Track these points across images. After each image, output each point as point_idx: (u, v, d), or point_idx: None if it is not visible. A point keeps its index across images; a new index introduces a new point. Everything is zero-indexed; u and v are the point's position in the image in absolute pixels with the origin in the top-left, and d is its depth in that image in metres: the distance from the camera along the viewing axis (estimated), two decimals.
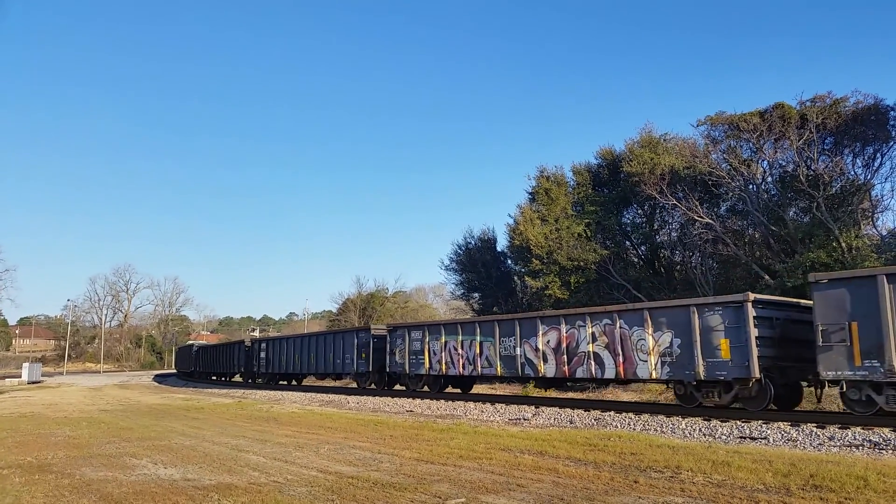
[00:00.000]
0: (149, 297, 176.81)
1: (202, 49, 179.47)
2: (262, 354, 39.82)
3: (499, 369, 21.20)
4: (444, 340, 23.54)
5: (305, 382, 38.36)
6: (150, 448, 12.81)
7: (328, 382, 37.44)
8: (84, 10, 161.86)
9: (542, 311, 22.76)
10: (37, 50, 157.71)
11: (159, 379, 58.92)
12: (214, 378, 51.99)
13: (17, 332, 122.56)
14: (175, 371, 70.83)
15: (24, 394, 37.23)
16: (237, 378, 47.56)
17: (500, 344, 21.28)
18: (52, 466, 10.76)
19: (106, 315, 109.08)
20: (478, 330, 22.28)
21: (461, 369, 22.76)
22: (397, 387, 27.82)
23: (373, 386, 29.12)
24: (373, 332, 28.90)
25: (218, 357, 50.55)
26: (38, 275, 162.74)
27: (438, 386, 24.89)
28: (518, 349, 20.50)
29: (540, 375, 19.90)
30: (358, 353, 29.11)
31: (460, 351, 22.74)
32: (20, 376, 55.20)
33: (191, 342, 77.23)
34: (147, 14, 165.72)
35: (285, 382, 39.31)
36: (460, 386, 25.88)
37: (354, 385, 31.47)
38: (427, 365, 24.28)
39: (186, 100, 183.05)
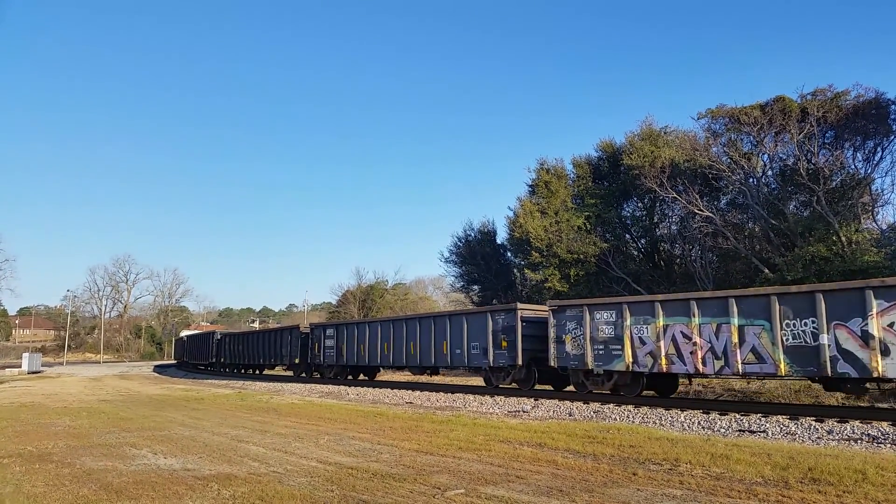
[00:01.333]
0: (148, 288, 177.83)
1: (202, 42, 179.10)
2: (329, 342, 32.02)
3: (782, 365, 14.64)
4: (661, 324, 16.99)
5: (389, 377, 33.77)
6: (149, 438, 12.84)
7: (448, 379, 31.74)
8: (85, 4, 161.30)
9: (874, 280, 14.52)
10: (37, 43, 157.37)
11: (159, 369, 59.00)
12: (246, 371, 44.24)
13: (17, 322, 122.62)
14: (175, 362, 70.82)
15: (24, 384, 37.29)
16: (278, 370, 42.51)
17: (782, 329, 14.73)
18: (52, 456, 10.79)
19: (106, 306, 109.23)
20: (735, 308, 15.56)
21: (699, 364, 16.13)
22: (568, 388, 21.13)
23: (513, 385, 22.02)
24: (521, 312, 21.43)
25: (257, 346, 40.65)
26: (38, 265, 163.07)
27: (639, 388, 18.06)
28: (824, 336, 14.11)
29: (876, 375, 13.54)
30: (496, 340, 21.90)
31: (696, 339, 16.21)
32: (20, 366, 55.26)
33: (189, 332, 77.01)
34: (147, 8, 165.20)
35: (364, 377, 32.19)
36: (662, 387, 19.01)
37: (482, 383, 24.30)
38: (628, 357, 17.65)
39: (187, 93, 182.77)
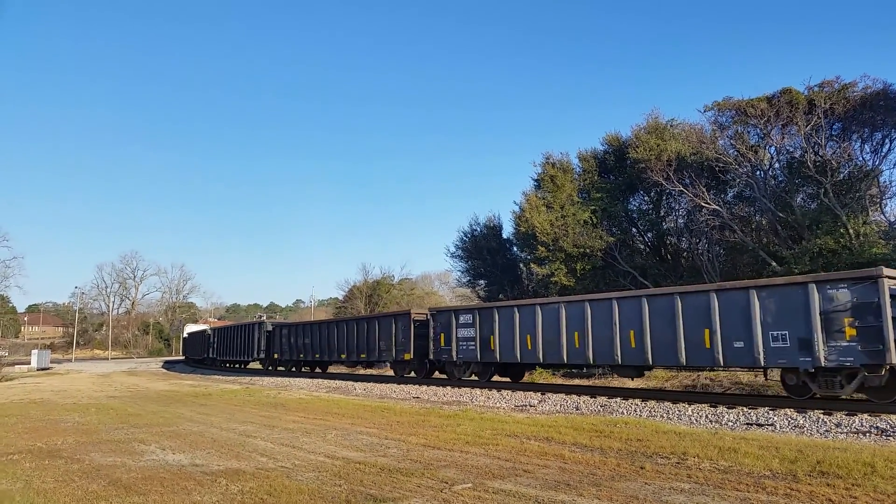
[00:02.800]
0: (156, 285, 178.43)
1: (208, 40, 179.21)
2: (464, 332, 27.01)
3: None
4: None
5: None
6: (158, 434, 12.90)
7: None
8: (91, 2, 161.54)
9: None
10: (44, 42, 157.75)
11: (167, 365, 59.26)
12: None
13: (25, 319, 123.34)
14: (183, 358, 71.05)
15: (33, 380, 37.53)
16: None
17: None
18: (61, 452, 10.85)
19: (113, 302, 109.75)
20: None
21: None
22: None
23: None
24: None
25: (341, 337, 33.49)
26: (46, 262, 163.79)
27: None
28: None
29: None
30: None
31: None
32: (29, 363, 55.63)
33: (196, 327, 76.58)
34: (153, 6, 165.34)
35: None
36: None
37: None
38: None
39: (194, 90, 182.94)
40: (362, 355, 29.19)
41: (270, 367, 40.05)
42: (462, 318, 23.65)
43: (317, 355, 33.14)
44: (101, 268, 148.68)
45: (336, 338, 31.68)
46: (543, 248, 34.64)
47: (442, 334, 24.02)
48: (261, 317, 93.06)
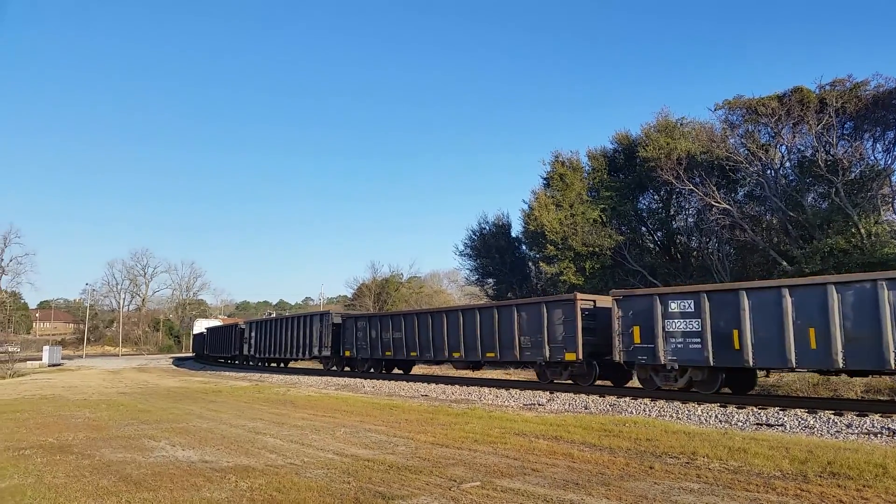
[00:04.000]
0: (166, 282, 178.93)
1: (218, 38, 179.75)
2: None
3: None
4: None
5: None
6: (168, 430, 12.96)
7: None
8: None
9: None
10: (55, 39, 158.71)
11: (177, 362, 59.52)
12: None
13: (37, 315, 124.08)
14: (192, 354, 71.30)
15: (44, 376, 37.78)
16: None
17: None
18: (72, 447, 10.92)
19: (124, 299, 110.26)
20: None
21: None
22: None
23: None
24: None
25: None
26: (58, 259, 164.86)
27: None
28: None
29: None
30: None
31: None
32: (41, 359, 56.00)
33: (207, 322, 75.96)
34: (164, 4, 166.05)
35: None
36: None
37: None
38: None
39: (204, 87, 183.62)
40: (490, 354, 22.16)
41: (334, 368, 32.32)
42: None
43: (413, 353, 26.21)
44: (112, 265, 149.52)
45: (446, 331, 24.15)
46: (552, 247, 34.62)
47: (637, 327, 17.58)
48: (269, 314, 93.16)
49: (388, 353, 27.66)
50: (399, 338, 26.93)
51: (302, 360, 37.01)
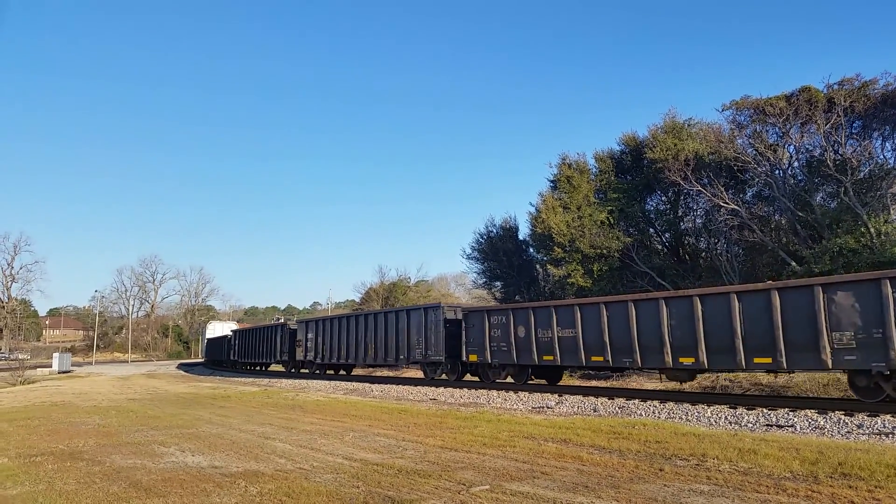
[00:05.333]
0: (175, 288, 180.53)
1: (223, 43, 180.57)
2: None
3: None
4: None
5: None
6: (177, 436, 13.00)
7: None
8: (108, 4, 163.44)
9: None
10: (61, 47, 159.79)
11: (186, 368, 59.70)
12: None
13: (47, 322, 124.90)
14: (202, 360, 71.37)
15: (54, 383, 37.97)
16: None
17: None
18: (83, 454, 10.97)
19: (133, 305, 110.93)
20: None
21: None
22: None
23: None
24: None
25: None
26: (67, 266, 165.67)
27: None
28: None
29: None
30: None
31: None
32: (51, 366, 56.30)
33: (223, 325, 73.38)
34: (173, 8, 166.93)
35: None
36: None
37: None
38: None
39: (212, 93, 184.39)
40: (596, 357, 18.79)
41: (444, 376, 25.67)
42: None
43: (599, 357, 18.99)
44: (121, 271, 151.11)
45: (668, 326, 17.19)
46: (560, 250, 34.53)
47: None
48: (278, 319, 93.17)
49: (547, 358, 20.54)
50: (571, 336, 19.65)
51: (390, 367, 34.70)
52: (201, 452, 10.83)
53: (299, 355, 36.29)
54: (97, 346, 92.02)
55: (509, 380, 22.78)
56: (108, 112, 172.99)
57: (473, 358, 23.38)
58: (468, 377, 25.28)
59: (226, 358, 53.58)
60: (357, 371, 37.61)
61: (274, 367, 45.43)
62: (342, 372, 35.40)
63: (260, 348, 43.67)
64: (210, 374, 48.33)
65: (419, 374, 29.38)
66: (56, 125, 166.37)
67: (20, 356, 58.69)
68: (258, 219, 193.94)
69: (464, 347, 23.61)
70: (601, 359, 18.66)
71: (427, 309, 26.27)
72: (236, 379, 38.94)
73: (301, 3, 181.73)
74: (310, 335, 34.98)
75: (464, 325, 23.85)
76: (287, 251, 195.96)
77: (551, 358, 20.23)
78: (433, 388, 23.44)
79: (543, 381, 23.14)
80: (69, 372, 53.90)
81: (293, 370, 38.52)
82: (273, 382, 32.81)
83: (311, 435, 12.64)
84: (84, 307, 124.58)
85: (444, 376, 25.56)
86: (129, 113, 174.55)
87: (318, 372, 34.99)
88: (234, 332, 53.04)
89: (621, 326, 18.17)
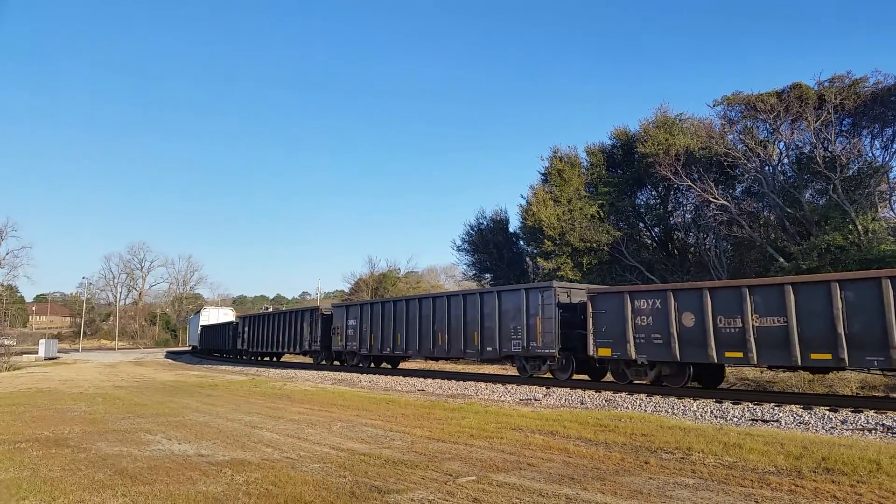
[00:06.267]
0: (163, 276, 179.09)
1: (214, 31, 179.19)
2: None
3: None
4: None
5: None
6: (164, 424, 12.95)
7: None
8: None
9: None
10: (52, 33, 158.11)
11: (173, 356, 59.48)
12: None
13: (33, 308, 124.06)
14: (190, 348, 71.00)
15: (40, 370, 37.75)
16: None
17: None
18: (68, 441, 10.91)
19: (121, 293, 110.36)
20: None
21: None
22: None
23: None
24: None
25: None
26: (54, 252, 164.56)
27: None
28: None
29: None
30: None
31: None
32: (37, 352, 55.95)
33: (218, 311, 65.20)
34: None
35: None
36: None
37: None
38: None
39: (200, 82, 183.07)
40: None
41: (324, 363, 31.77)
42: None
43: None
44: (109, 258, 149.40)
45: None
46: (550, 243, 34.63)
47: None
48: (267, 308, 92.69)
49: (733, 354, 15.87)
50: (778, 326, 15.00)
51: (463, 360, 29.27)
52: (188, 441, 10.80)
53: (336, 345, 31.18)
54: (84, 333, 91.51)
55: (630, 381, 18.59)
56: (96, 98, 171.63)
57: (605, 352, 18.52)
58: (576, 376, 20.68)
59: (229, 347, 48.70)
60: (407, 364, 32.85)
61: (289, 358, 41.74)
62: (384, 364, 30.51)
63: (278, 337, 38.09)
64: (198, 362, 48.17)
65: (495, 370, 27.26)
66: (43, 110, 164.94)
67: (6, 342, 58.12)
68: (248, 208, 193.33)
69: (590, 338, 18.73)
70: (827, 356, 14.20)
71: (532, 290, 21.24)
72: (224, 367, 38.82)
73: None
74: (351, 321, 30.12)
75: (590, 310, 18.89)
76: (276, 241, 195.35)
77: (739, 355, 15.69)
78: (421, 379, 23.41)
79: (697, 384, 18.11)
80: (56, 359, 53.57)
81: (323, 362, 33.45)
82: (261, 372, 32.74)
83: (298, 424, 12.62)
84: (71, 294, 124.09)
85: (547, 374, 20.94)
86: (118, 99, 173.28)
87: (360, 364, 29.85)
88: (243, 317, 46.77)
89: (868, 313, 13.82)
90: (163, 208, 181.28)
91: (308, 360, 37.46)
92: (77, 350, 76.59)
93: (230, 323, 51.33)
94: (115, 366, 41.94)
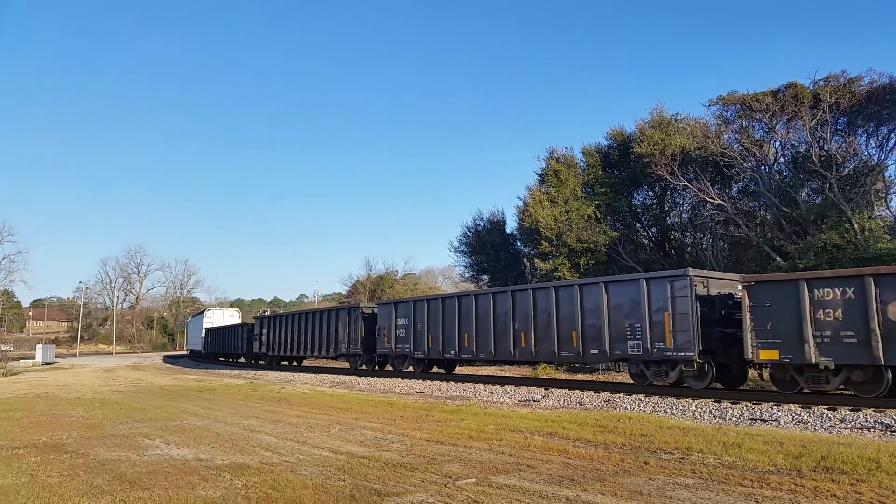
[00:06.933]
0: (160, 279, 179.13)
1: (209, 33, 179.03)
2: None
3: None
4: None
5: None
6: (162, 428, 12.92)
7: None
8: None
9: None
10: (47, 35, 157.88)
11: (171, 360, 59.37)
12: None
13: (30, 313, 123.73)
14: (187, 352, 70.87)
15: (38, 375, 37.64)
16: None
17: None
18: (66, 446, 10.88)
19: (118, 297, 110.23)
20: None
21: None
22: None
23: None
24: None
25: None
26: (51, 257, 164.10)
27: None
28: None
29: None
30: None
31: None
32: (34, 357, 55.87)
33: (224, 313, 61.13)
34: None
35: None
36: None
37: None
38: None
39: (197, 84, 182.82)
40: None
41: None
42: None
43: None
44: (106, 262, 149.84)
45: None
46: (547, 243, 34.63)
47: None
48: (264, 311, 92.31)
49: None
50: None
51: (583, 362, 23.86)
52: (186, 445, 10.77)
53: (382, 347, 27.82)
54: (81, 337, 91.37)
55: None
56: (91, 101, 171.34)
57: (769, 355, 15.21)
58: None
59: (243, 350, 45.40)
60: (463, 370, 29.64)
61: (311, 363, 39.65)
62: (434, 368, 27.54)
63: (306, 339, 34.52)
64: (195, 366, 48.09)
65: (493, 371, 25.56)
66: (39, 114, 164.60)
67: (3, 348, 58.04)
68: (244, 211, 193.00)
69: (748, 338, 15.43)
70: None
71: (656, 280, 17.67)
72: (222, 371, 38.75)
73: None
74: (401, 320, 26.75)
75: (747, 302, 15.59)
76: (273, 244, 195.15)
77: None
78: (419, 381, 23.38)
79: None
80: (53, 363, 53.44)
81: (363, 366, 30.34)
82: (259, 375, 32.71)
83: (297, 428, 12.60)
84: (68, 298, 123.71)
85: (672, 380, 17.63)
86: (114, 103, 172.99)
87: (416, 370, 26.47)
88: (262, 318, 42.59)
89: None
90: (160, 212, 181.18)
91: (337, 363, 35.51)
92: (74, 355, 76.46)
93: (244, 325, 48.51)
94: (112, 370, 41.85)
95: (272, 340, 39.35)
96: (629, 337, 17.83)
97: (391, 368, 28.50)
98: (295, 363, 40.30)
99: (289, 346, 37.09)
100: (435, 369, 27.37)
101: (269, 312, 54.00)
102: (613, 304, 18.42)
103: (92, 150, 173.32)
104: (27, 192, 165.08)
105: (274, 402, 18.12)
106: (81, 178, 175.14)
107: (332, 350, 32.15)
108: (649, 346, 17.27)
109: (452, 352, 24.07)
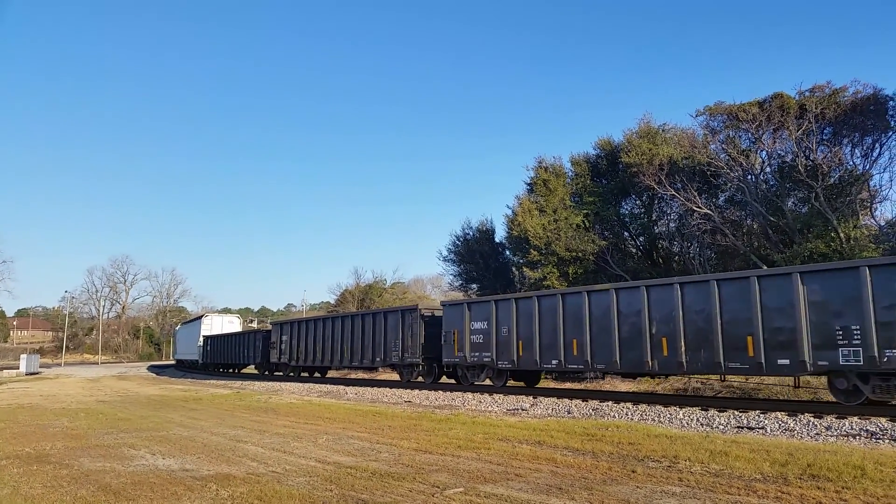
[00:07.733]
0: (146, 289, 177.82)
1: (200, 40, 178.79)
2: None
3: None
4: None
5: None
6: (148, 439, 12.81)
7: None
8: (87, 3, 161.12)
9: None
10: (36, 43, 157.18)
11: (157, 370, 58.92)
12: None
13: (14, 323, 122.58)
14: (174, 362, 70.33)
15: (21, 385, 37.23)
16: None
17: None
18: (50, 457, 10.76)
19: (104, 306, 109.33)
20: None
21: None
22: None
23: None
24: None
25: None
26: (36, 266, 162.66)
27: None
28: None
29: None
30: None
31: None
32: (18, 367, 55.26)
33: (223, 318, 58.07)
34: (146, 6, 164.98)
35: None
36: None
37: None
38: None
39: (184, 92, 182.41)
40: None
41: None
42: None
43: None
44: (92, 272, 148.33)
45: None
46: (536, 252, 34.69)
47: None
48: (251, 321, 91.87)
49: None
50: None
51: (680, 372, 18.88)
52: (172, 455, 10.68)
53: (449, 356, 23.78)
54: (67, 347, 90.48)
55: None
56: (79, 110, 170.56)
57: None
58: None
59: (255, 361, 41.35)
60: (548, 383, 25.97)
61: (334, 373, 37.32)
62: (513, 380, 23.24)
63: (342, 347, 30.52)
64: (182, 376, 47.75)
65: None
66: (26, 123, 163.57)
67: None
68: (232, 219, 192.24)
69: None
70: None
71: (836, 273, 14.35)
72: (208, 381, 38.50)
73: (281, 1, 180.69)
74: (477, 324, 22.83)
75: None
76: (261, 253, 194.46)
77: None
78: (408, 391, 23.30)
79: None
80: (37, 374, 52.88)
81: (420, 378, 26.17)
82: (245, 385, 32.51)
83: (283, 438, 12.53)
84: (53, 308, 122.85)
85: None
86: (101, 112, 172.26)
87: (496, 384, 22.36)
88: (281, 324, 38.20)
89: None
90: (146, 221, 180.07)
91: (363, 374, 34.33)
92: (59, 365, 75.69)
93: (258, 332, 44.54)
94: (98, 380, 41.48)
95: (295, 349, 35.10)
96: (841, 340, 13.91)
97: (453, 381, 25.09)
98: (317, 374, 37.01)
99: (316, 356, 33.06)
100: (510, 382, 22.96)
101: (255, 323, 53.66)
102: (813, 299, 14.41)
103: (78, 159, 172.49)
104: (12, 201, 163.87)
105: (261, 412, 18.01)
106: (67, 187, 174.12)
107: (378, 360, 28.16)
108: (876, 354, 13.29)
109: (556, 361, 20.00)
